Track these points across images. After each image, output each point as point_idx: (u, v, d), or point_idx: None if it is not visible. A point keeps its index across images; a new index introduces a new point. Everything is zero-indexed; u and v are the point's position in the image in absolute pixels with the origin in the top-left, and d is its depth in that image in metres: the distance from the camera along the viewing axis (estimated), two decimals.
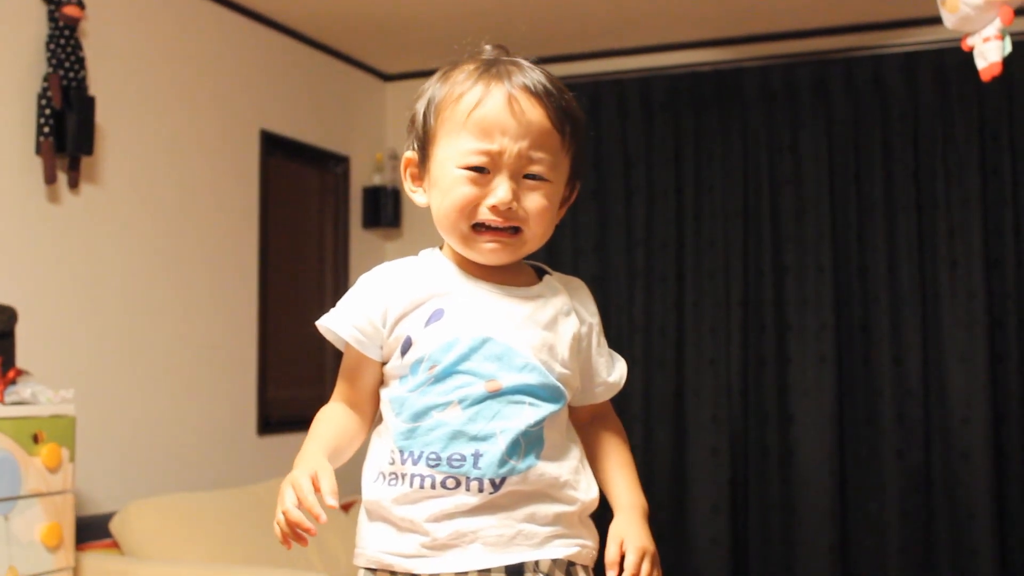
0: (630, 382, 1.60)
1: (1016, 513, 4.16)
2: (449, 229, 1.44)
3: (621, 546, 1.43)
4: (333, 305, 1.49)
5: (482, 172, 1.40)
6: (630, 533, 1.44)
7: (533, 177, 1.42)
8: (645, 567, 1.41)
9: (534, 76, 1.43)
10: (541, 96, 1.42)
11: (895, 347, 4.35)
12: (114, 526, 3.32)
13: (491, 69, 1.44)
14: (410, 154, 1.51)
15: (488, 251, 1.43)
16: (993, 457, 4.15)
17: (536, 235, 1.44)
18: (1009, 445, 4.19)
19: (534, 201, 1.42)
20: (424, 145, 1.47)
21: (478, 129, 1.40)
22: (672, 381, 4.62)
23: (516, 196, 1.40)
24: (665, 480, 4.59)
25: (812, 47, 4.58)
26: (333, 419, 1.48)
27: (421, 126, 1.48)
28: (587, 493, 1.46)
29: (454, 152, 1.42)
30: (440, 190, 1.43)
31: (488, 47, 1.50)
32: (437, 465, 1.37)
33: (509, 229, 1.42)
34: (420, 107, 1.48)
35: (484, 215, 1.41)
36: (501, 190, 1.39)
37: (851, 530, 4.36)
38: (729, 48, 4.71)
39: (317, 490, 1.32)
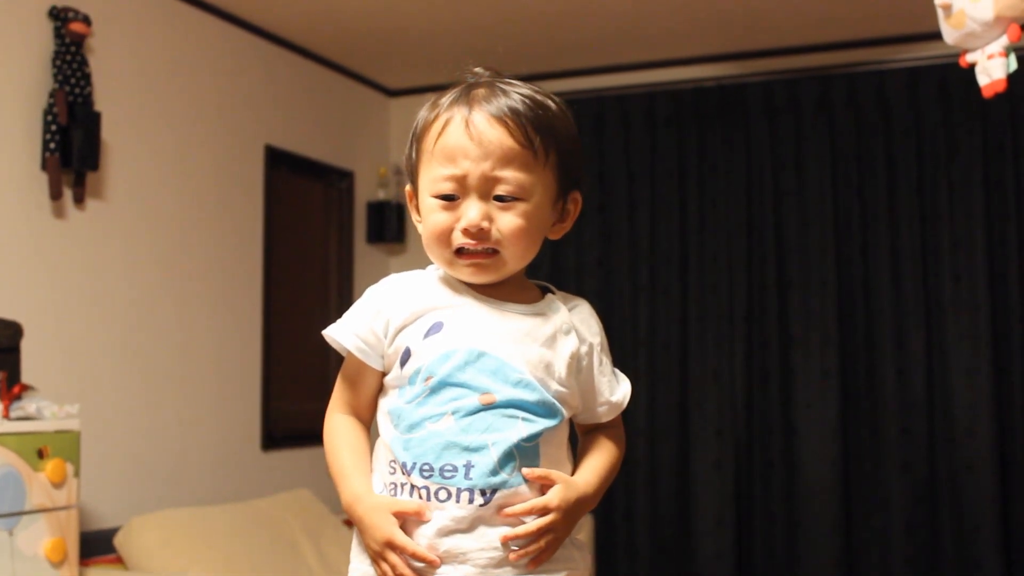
0: (634, 396, 1.58)
1: (1021, 525, 4.15)
2: (433, 257, 1.47)
3: (548, 486, 1.39)
4: (337, 320, 1.51)
5: (452, 199, 1.42)
6: (565, 487, 1.40)
7: (503, 198, 1.42)
8: (543, 520, 1.37)
9: (502, 99, 1.43)
10: (502, 117, 1.41)
11: (899, 360, 4.35)
12: (118, 541, 3.32)
13: (462, 96, 1.45)
14: (409, 187, 1.54)
15: (469, 273, 1.44)
16: (998, 469, 4.15)
17: (515, 255, 1.44)
18: (1013, 457, 4.18)
19: (508, 222, 1.42)
20: (413, 179, 1.51)
21: (443, 156, 1.42)
22: (676, 395, 4.62)
23: (489, 217, 1.41)
24: (669, 494, 4.58)
25: (815, 62, 4.59)
26: (355, 442, 1.49)
27: (407, 160, 1.52)
28: None
29: (428, 182, 1.45)
30: (423, 220, 1.47)
31: (479, 69, 1.51)
32: (430, 476, 1.38)
33: (486, 251, 1.43)
34: (409, 140, 1.51)
35: (459, 240, 1.42)
36: (470, 213, 1.41)
37: (856, 543, 4.35)
38: (733, 63, 4.72)
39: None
